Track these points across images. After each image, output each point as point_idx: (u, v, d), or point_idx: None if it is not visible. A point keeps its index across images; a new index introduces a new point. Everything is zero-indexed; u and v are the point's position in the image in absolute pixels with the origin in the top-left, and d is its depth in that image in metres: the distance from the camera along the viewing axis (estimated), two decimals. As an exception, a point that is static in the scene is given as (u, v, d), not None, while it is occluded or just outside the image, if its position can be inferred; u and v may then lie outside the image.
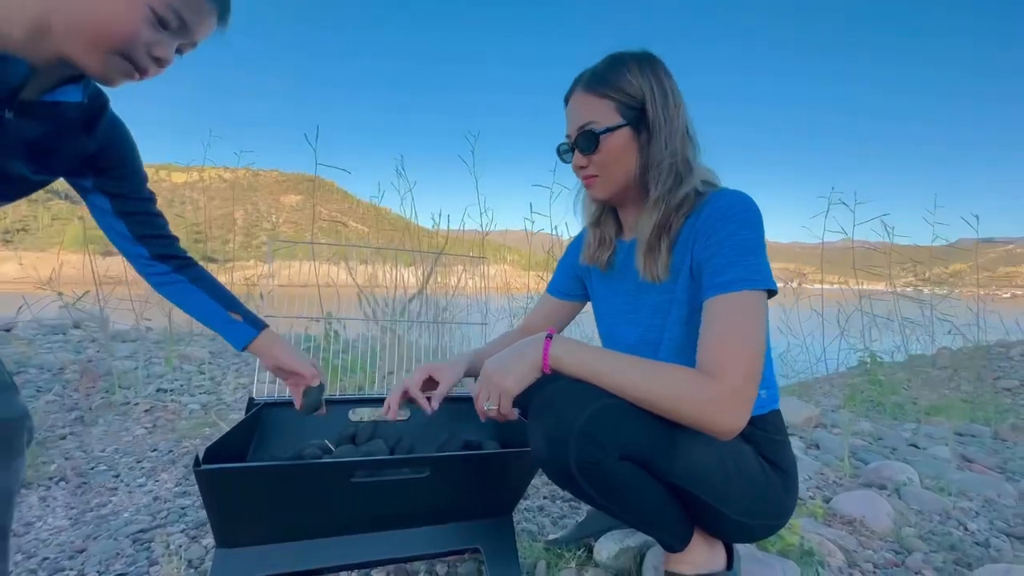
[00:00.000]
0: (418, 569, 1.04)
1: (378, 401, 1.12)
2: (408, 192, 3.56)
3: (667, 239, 0.82)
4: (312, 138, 3.08)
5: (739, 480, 0.77)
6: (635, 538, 1.03)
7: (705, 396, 0.66)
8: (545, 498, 1.47)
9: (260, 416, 1.04)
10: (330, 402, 1.06)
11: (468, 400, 1.09)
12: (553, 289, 1.12)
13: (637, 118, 0.82)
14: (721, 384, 0.66)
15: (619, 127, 0.82)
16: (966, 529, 1.39)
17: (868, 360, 3.40)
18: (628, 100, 0.82)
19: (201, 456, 0.68)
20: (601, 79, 0.84)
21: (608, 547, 1.02)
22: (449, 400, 0.96)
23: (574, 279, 1.08)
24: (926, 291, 4.39)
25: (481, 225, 3.65)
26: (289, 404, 1.05)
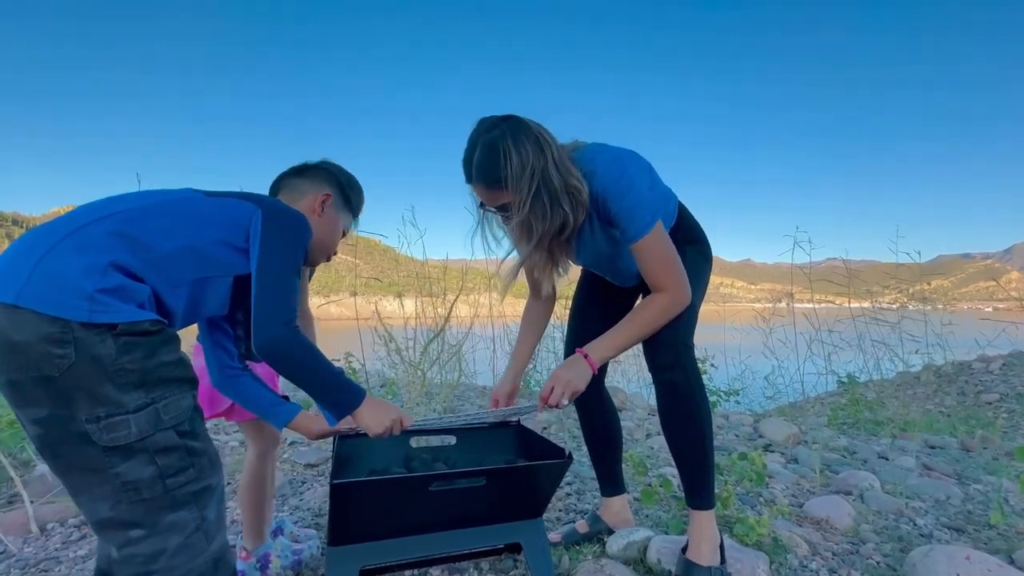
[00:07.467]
0: (467, 567, 1.30)
1: (429, 432, 1.40)
2: (419, 239, 3.87)
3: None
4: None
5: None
6: (639, 533, 1.30)
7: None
8: (548, 508, 1.74)
9: (340, 447, 1.31)
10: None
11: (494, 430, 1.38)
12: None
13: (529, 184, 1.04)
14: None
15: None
16: (915, 524, 1.65)
17: (846, 381, 3.68)
18: (516, 182, 1.04)
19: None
20: (491, 175, 1.05)
21: (618, 542, 1.29)
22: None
23: None
24: (895, 306, 4.67)
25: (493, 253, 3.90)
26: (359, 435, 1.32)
